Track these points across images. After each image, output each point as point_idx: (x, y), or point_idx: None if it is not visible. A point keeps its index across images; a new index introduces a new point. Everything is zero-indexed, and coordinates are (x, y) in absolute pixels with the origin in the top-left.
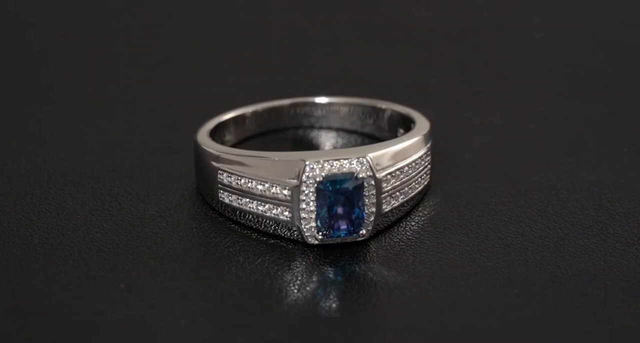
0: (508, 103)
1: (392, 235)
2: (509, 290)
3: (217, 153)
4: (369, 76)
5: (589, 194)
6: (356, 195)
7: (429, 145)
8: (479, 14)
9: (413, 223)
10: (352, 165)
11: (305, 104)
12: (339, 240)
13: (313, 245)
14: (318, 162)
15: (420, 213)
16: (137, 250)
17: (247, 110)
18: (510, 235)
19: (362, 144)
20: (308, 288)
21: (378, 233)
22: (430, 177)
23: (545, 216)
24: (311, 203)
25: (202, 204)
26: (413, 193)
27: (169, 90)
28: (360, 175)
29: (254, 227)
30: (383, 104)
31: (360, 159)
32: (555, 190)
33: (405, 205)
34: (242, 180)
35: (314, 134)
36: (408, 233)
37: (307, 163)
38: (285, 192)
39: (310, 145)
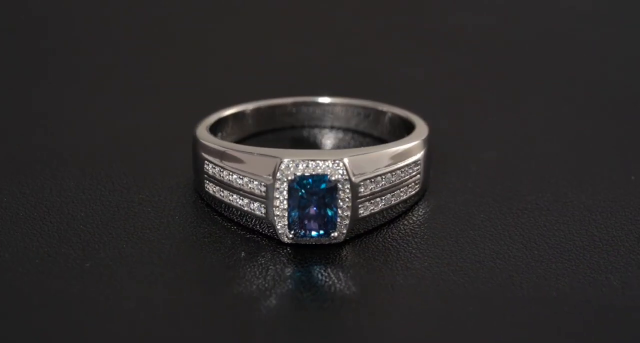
0: (525, 119)
1: (369, 241)
2: (464, 306)
3: (206, 143)
4: (384, 78)
5: (580, 219)
6: (329, 197)
7: (420, 154)
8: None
9: (395, 231)
10: (327, 167)
11: (307, 103)
12: (311, 240)
13: (286, 244)
14: (294, 160)
15: (406, 222)
16: (113, 231)
17: (248, 107)
18: (484, 252)
19: (362, 145)
20: (264, 285)
21: (356, 237)
22: (423, 186)
23: (526, 237)
24: (284, 202)
25: (193, 194)
26: (396, 201)
27: (177, 83)
28: (334, 178)
29: (235, 220)
30: (384, 107)
31: (337, 161)
32: (546, 212)
33: (389, 211)
34: (224, 173)
35: (314, 133)
36: (386, 240)
37: (283, 161)
38: (261, 188)
39: (310, 145)
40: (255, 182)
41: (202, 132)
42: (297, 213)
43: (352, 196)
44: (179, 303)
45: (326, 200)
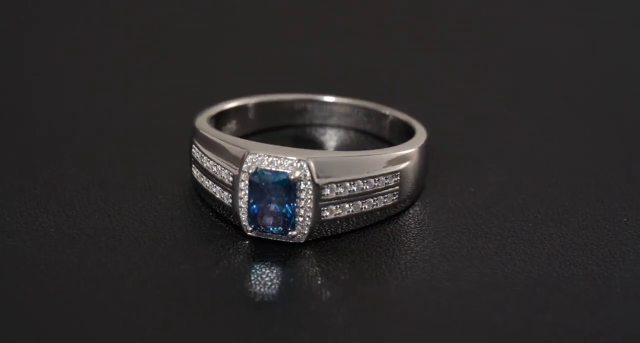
0: (536, 143)
1: (331, 246)
2: (384, 320)
3: (197, 128)
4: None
5: (547, 256)
6: (288, 195)
7: (403, 165)
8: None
9: (362, 240)
10: (290, 165)
11: (311, 101)
12: (272, 236)
13: (249, 236)
14: (259, 154)
15: (376, 232)
16: (90, 204)
17: (250, 101)
18: (436, 273)
19: (364, 147)
20: (205, 270)
21: (321, 240)
22: (404, 197)
23: (484, 260)
24: (247, 194)
25: (190, 178)
26: (369, 209)
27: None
28: (293, 176)
29: (212, 206)
30: (387, 110)
31: (301, 161)
32: (520, 242)
33: (361, 218)
34: (204, 159)
35: (317, 131)
36: (350, 247)
37: (249, 153)
38: (230, 177)
39: (311, 143)
40: (225, 171)
41: (201, 119)
42: (256, 207)
43: (314, 197)
44: (125, 273)
45: (286, 198)
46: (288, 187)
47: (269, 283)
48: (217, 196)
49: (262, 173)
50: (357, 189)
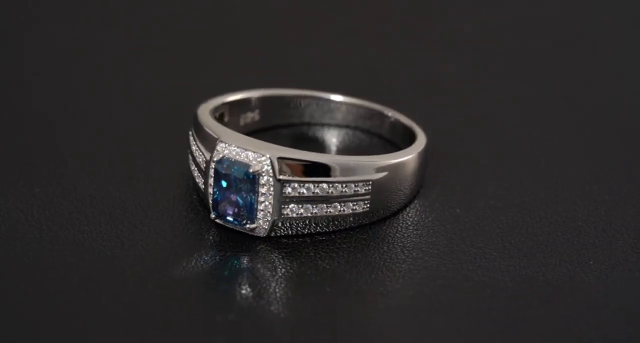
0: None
1: (291, 245)
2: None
3: (194, 116)
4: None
5: (522, 285)
6: (247, 187)
7: (377, 176)
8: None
9: (327, 243)
10: (253, 158)
11: (316, 98)
12: (233, 226)
13: (215, 223)
14: (229, 143)
15: (345, 239)
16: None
17: (253, 94)
18: (369, 285)
19: (363, 146)
20: (163, 251)
21: (286, 237)
22: (377, 206)
23: (436, 278)
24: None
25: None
26: (336, 213)
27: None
28: (252, 170)
29: (198, 192)
30: (389, 112)
31: (265, 156)
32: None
33: (330, 222)
34: (193, 147)
35: (317, 128)
36: (309, 248)
37: (219, 142)
38: (204, 164)
39: (312, 141)
40: (202, 157)
41: (201, 108)
42: (219, 195)
43: (275, 193)
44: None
45: (248, 190)
46: (250, 180)
47: (207, 270)
48: (197, 181)
49: (227, 162)
50: (321, 192)
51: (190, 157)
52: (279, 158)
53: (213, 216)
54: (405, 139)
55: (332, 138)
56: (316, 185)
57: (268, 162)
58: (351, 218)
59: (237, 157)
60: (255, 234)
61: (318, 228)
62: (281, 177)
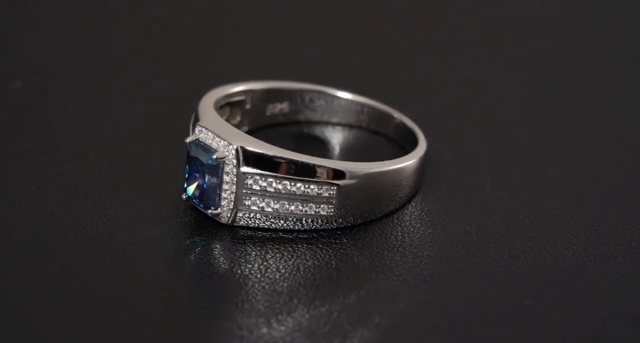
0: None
1: (254, 238)
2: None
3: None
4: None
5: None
6: (211, 172)
7: (343, 182)
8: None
9: (285, 241)
10: (220, 146)
11: (321, 93)
12: (200, 208)
13: (185, 203)
14: (204, 128)
15: (310, 240)
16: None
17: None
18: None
19: (363, 147)
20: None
21: (247, 228)
22: (342, 212)
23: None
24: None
25: None
26: (299, 213)
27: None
28: (216, 156)
29: None
30: (395, 113)
31: (230, 145)
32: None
33: (294, 220)
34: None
35: (323, 126)
36: (266, 244)
37: (197, 124)
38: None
39: (312, 138)
40: (189, 138)
41: (204, 99)
42: (188, 176)
43: (237, 183)
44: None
45: (212, 176)
46: (212, 166)
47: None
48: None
49: (197, 145)
50: (282, 189)
51: None
52: (244, 149)
53: (184, 197)
54: (408, 143)
55: (341, 138)
56: (278, 181)
57: (234, 151)
58: (318, 220)
59: (208, 141)
60: (219, 220)
61: (284, 224)
62: (243, 168)
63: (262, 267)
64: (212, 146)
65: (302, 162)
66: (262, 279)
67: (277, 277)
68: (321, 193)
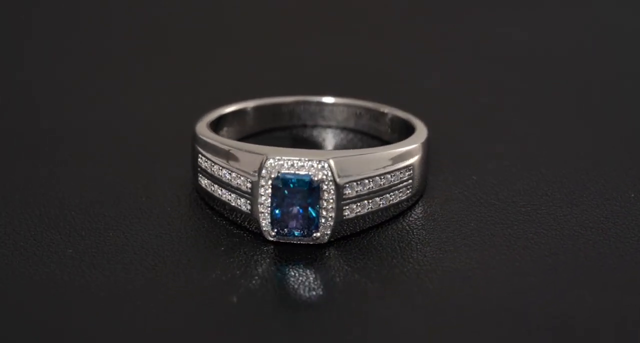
0: (535, 143)
1: (353, 244)
2: (437, 316)
3: (200, 137)
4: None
5: (570, 237)
6: (312, 197)
7: (414, 159)
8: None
9: (382, 235)
10: (312, 167)
11: (309, 102)
12: (294, 240)
13: (270, 241)
14: (279, 158)
15: (395, 226)
16: (90, 206)
17: (249, 104)
18: (465, 261)
19: (362, 145)
20: (236, 279)
21: (341, 239)
22: (416, 191)
23: (512, 248)
24: (268, 199)
25: (191, 188)
26: (385, 205)
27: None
28: (316, 178)
29: (225, 214)
30: (385, 108)
31: (322, 162)
32: (538, 225)
33: (378, 215)
34: (215, 167)
35: (316, 132)
36: (371, 244)
37: (268, 158)
38: (247, 184)
39: (311, 144)
40: (242, 178)
41: (201, 126)
42: (279, 212)
43: (336, 197)
44: (148, 289)
45: (309, 200)
46: (312, 190)
47: (306, 285)
48: (233, 204)
49: (285, 177)
50: (374, 186)
51: (208, 182)
52: (335, 161)
53: (273, 234)
54: (403, 133)
55: (328, 141)
56: (370, 180)
57: (327, 167)
58: (392, 209)
59: (293, 169)
60: (317, 242)
61: (368, 223)
62: (340, 180)
63: None
64: (300, 172)
65: (386, 153)
66: None
67: None
68: (402, 178)
